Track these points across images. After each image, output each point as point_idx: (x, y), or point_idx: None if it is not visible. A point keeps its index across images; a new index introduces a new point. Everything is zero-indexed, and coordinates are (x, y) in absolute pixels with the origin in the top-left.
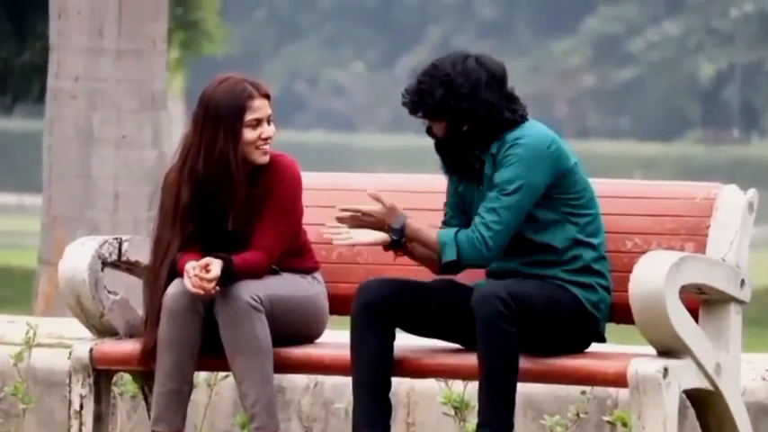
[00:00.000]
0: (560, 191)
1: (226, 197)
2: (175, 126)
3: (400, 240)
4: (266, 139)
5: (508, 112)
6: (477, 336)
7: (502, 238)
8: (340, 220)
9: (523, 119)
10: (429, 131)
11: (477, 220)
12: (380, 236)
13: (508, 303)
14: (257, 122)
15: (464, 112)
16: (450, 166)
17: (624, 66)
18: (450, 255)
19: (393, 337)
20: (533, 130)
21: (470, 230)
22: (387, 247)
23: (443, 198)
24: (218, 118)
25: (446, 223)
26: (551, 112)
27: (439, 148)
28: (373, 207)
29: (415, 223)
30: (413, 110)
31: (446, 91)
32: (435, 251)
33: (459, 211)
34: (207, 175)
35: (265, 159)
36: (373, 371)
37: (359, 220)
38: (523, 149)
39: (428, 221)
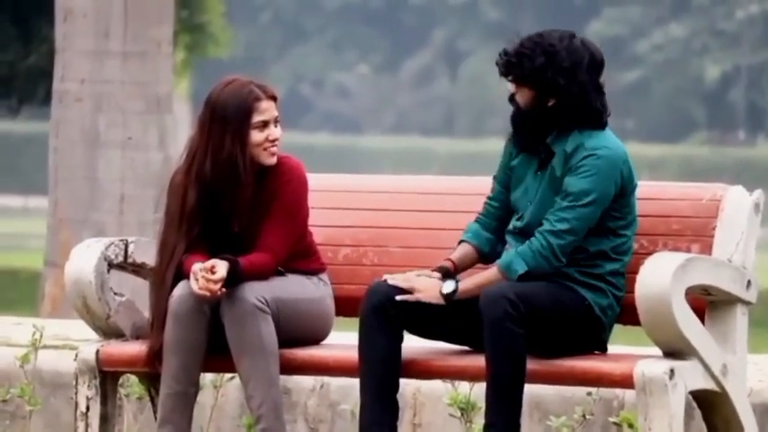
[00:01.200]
0: (614, 207)
1: (232, 199)
2: (181, 128)
3: (454, 293)
4: (273, 140)
5: (598, 103)
6: (484, 337)
7: (570, 247)
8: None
9: (605, 120)
10: (512, 99)
11: (545, 226)
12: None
13: (516, 304)
14: (264, 124)
15: (557, 86)
16: (518, 138)
17: (629, 68)
18: (519, 268)
19: (401, 339)
20: (611, 142)
21: (535, 239)
22: (448, 300)
23: (449, 199)
24: (225, 120)
25: (489, 198)
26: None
27: (515, 117)
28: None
29: (464, 283)
30: (506, 70)
31: (547, 60)
32: (491, 283)
33: (504, 186)
34: (214, 177)
35: (273, 161)
36: (381, 372)
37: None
38: (603, 162)
39: (433, 222)
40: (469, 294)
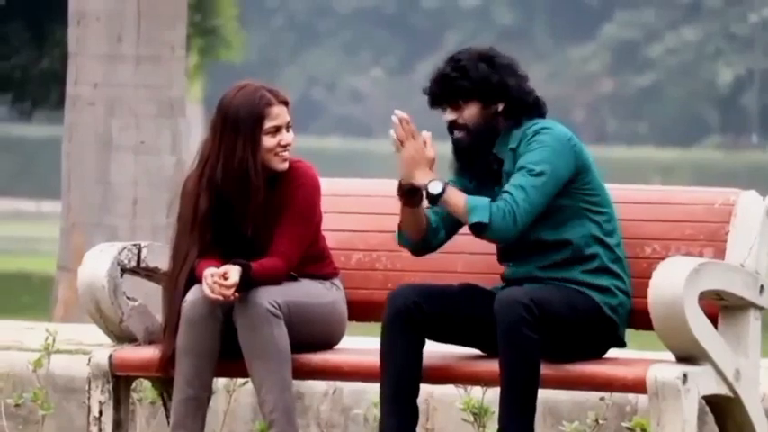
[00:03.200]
0: (578, 186)
1: (244, 204)
2: (194, 132)
3: (439, 196)
4: (285, 145)
5: (538, 96)
6: (498, 342)
7: (529, 217)
8: (396, 122)
9: (544, 112)
10: (451, 127)
11: (505, 196)
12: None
13: (531, 309)
14: (276, 130)
15: (506, 87)
16: (467, 165)
17: (642, 71)
18: (481, 217)
19: (423, 344)
20: (554, 124)
21: (501, 203)
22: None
23: None
24: (237, 126)
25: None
26: (570, 118)
27: (463, 143)
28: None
29: (449, 190)
30: (449, 92)
31: (489, 66)
32: (461, 213)
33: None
34: (226, 183)
35: (285, 166)
36: (403, 377)
37: (408, 130)
38: (548, 137)
39: None
40: (449, 207)
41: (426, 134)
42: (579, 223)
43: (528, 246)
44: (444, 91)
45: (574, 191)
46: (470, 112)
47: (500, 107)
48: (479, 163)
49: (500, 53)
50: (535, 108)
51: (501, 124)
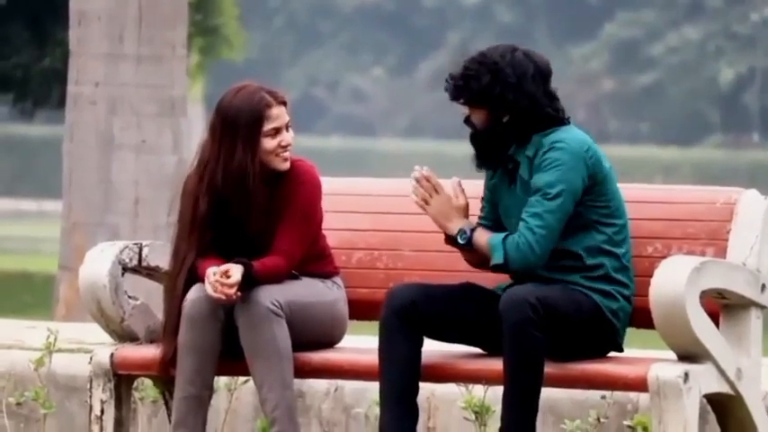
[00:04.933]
0: (591, 198)
1: (244, 206)
2: (195, 131)
3: (469, 243)
4: (286, 146)
5: (550, 109)
6: (503, 340)
7: (547, 242)
8: (417, 179)
9: (563, 121)
10: (467, 121)
11: (521, 225)
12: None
13: (537, 309)
14: (276, 131)
15: (507, 101)
16: (483, 159)
17: (644, 70)
18: (497, 258)
19: (421, 343)
20: (570, 134)
21: (516, 235)
22: (448, 240)
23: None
24: (236, 129)
25: (481, 218)
26: (571, 117)
27: (474, 138)
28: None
29: (479, 228)
30: (455, 95)
31: (492, 78)
32: (487, 254)
33: (492, 205)
34: (226, 186)
35: (286, 166)
36: (402, 376)
37: (429, 187)
38: (562, 153)
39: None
40: (479, 251)
41: (455, 181)
42: (587, 235)
43: None
44: (454, 94)
45: (588, 201)
46: (478, 116)
47: (506, 118)
48: (492, 159)
49: (518, 62)
50: (545, 122)
51: (510, 133)
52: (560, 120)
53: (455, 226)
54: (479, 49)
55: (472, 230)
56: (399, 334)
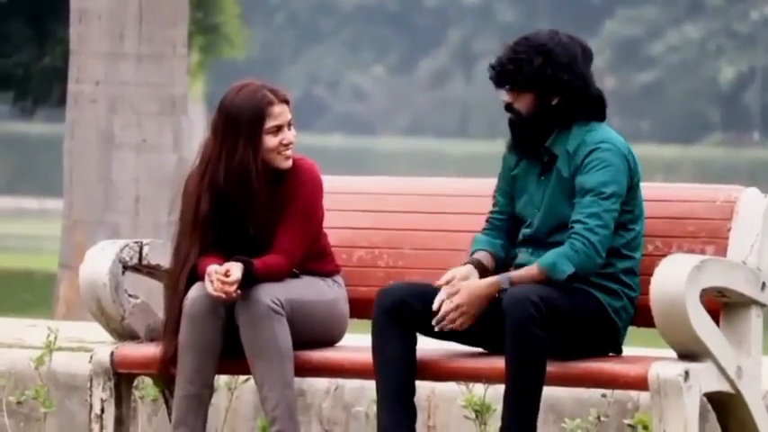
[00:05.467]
0: (624, 201)
1: (246, 205)
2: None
3: (512, 284)
4: (288, 144)
5: (599, 92)
6: (506, 339)
7: (608, 241)
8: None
9: (605, 108)
10: (509, 108)
11: (578, 226)
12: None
13: (540, 307)
14: (278, 129)
15: (561, 83)
16: (520, 145)
17: (644, 69)
18: (565, 270)
19: (415, 341)
20: (612, 135)
21: (573, 240)
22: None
23: (464, 201)
24: (238, 127)
25: (493, 212)
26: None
27: (518, 124)
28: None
29: (514, 274)
30: (504, 79)
31: (544, 60)
32: (540, 279)
33: (509, 198)
34: (228, 184)
35: (288, 164)
36: (397, 375)
37: (452, 293)
38: (611, 155)
39: (447, 224)
40: (525, 284)
41: (442, 291)
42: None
43: (549, 244)
44: (500, 80)
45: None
46: (525, 101)
47: (555, 101)
48: (528, 149)
49: (565, 43)
50: (594, 107)
51: (558, 117)
52: (604, 105)
53: (492, 286)
54: (513, 39)
55: (510, 279)
56: (390, 332)
